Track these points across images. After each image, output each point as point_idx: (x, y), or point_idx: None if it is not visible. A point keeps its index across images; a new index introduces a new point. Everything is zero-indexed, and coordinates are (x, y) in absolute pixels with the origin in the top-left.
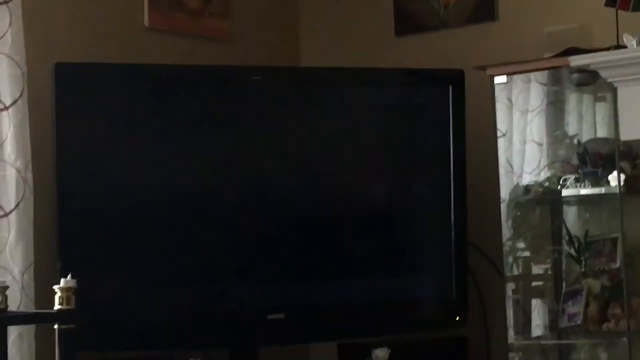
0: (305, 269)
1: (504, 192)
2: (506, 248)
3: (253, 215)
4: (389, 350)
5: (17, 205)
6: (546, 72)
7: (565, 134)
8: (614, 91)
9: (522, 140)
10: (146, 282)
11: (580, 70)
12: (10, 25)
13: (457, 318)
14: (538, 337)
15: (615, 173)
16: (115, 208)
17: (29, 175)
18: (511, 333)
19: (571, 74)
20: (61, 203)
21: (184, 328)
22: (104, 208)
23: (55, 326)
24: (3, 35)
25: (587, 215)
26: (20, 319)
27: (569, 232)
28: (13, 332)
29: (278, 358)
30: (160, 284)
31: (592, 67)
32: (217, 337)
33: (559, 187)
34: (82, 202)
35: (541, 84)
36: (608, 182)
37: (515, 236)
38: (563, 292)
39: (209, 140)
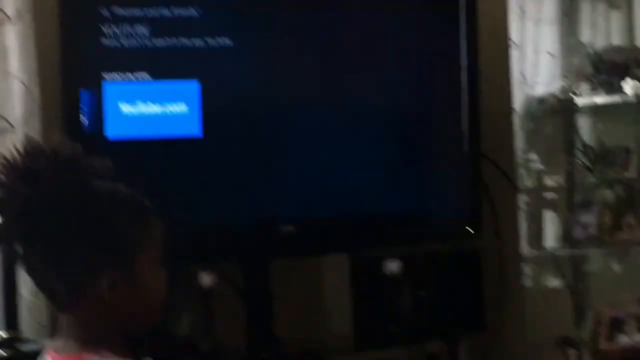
0: (317, 181)
1: (517, 104)
2: (519, 160)
3: (265, 125)
4: (401, 263)
5: (23, 119)
6: None
7: (579, 43)
8: None
9: (536, 51)
10: (154, 193)
11: None
12: None
13: (470, 230)
14: (551, 249)
15: (630, 81)
16: None
17: (35, 89)
18: (524, 245)
19: None
20: (68, 117)
21: (193, 242)
22: None
23: None
24: None
25: (602, 125)
26: None
27: (583, 143)
28: None
29: (290, 272)
30: (168, 195)
31: None
32: (228, 251)
33: (573, 96)
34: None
35: None
36: (623, 90)
37: (529, 148)
38: (577, 202)
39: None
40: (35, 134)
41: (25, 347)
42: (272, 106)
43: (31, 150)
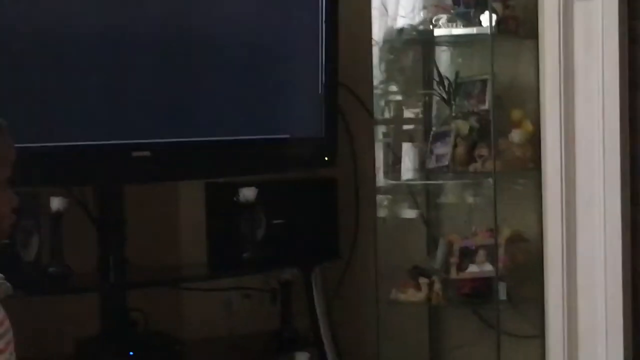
0: (172, 105)
1: (378, 35)
2: (378, 91)
3: (120, 46)
4: (257, 190)
5: None
6: None
7: None
8: None
9: None
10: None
11: None
12: None
13: (327, 158)
14: (407, 179)
15: (487, 13)
16: None
17: None
18: (380, 175)
19: None
20: None
21: (46, 163)
22: None
23: None
24: None
25: (459, 57)
26: None
27: (440, 74)
28: None
29: (146, 197)
30: (22, 113)
31: None
32: (82, 174)
33: (431, 28)
34: None
35: None
36: (480, 22)
37: (388, 79)
38: (432, 133)
39: None
40: None
41: None
42: (132, 28)
43: None
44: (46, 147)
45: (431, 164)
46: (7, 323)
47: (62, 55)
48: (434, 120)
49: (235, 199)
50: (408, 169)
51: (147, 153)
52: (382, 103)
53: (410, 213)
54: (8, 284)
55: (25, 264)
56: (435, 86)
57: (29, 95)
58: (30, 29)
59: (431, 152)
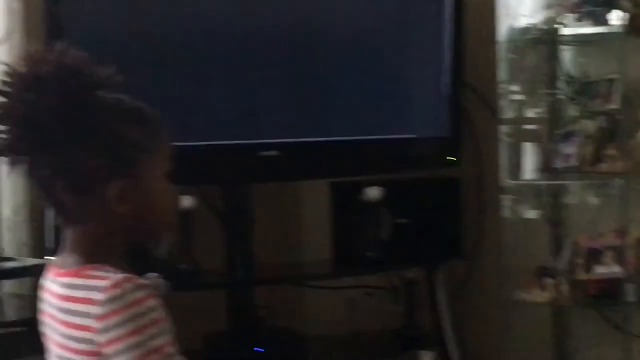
0: (300, 106)
1: (502, 34)
2: (501, 90)
3: (247, 47)
4: (382, 189)
5: (4, 38)
6: None
7: None
8: None
9: None
10: None
11: None
12: None
13: (452, 158)
14: (531, 179)
15: (616, 12)
16: (116, 36)
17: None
18: (504, 175)
19: None
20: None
21: (176, 163)
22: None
23: None
24: None
25: (582, 55)
26: None
27: (566, 73)
28: None
29: (271, 196)
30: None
31: None
32: (211, 173)
33: (557, 27)
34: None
35: None
36: (608, 21)
37: (510, 79)
38: (558, 133)
39: None
40: (18, 52)
41: (7, 265)
42: (261, 29)
43: (35, 57)
44: (177, 146)
45: (558, 163)
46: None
47: (191, 56)
48: (559, 120)
49: (359, 198)
50: (533, 169)
51: (274, 152)
52: (505, 102)
53: (534, 213)
54: (165, 282)
55: (157, 260)
56: (560, 85)
57: (159, 95)
58: (164, 32)
59: (557, 151)
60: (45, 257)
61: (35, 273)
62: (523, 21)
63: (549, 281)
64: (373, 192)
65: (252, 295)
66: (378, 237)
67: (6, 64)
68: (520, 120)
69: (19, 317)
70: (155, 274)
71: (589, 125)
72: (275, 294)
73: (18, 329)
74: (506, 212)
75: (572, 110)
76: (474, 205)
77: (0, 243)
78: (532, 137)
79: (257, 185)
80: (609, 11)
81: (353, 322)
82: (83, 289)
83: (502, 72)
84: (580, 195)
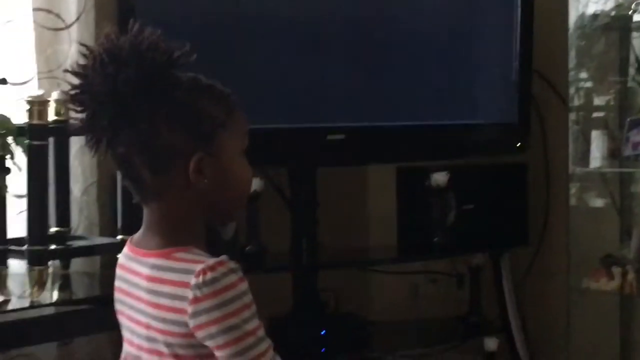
0: (367, 90)
1: (571, 21)
2: (570, 77)
3: (317, 30)
4: (449, 175)
5: (77, 18)
6: None
7: None
8: None
9: None
10: None
11: None
12: None
13: (518, 144)
14: (600, 167)
15: None
16: (186, 16)
17: None
18: (572, 162)
19: None
20: (122, 16)
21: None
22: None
23: None
24: None
25: None
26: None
27: (638, 61)
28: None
29: (336, 181)
30: None
31: None
32: (278, 156)
33: (629, 12)
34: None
35: None
36: None
37: (579, 65)
38: (628, 120)
39: None
40: (90, 31)
41: (77, 243)
42: (330, 13)
43: (111, 36)
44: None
45: (626, 151)
46: None
47: (261, 38)
48: (628, 108)
49: (426, 183)
50: (600, 157)
51: (341, 136)
52: (573, 90)
53: (600, 201)
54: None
55: (224, 242)
56: (631, 73)
57: (229, 77)
58: (234, 13)
59: (627, 139)
60: (116, 237)
61: (104, 251)
62: (593, 8)
63: (617, 270)
64: (440, 178)
65: (316, 279)
66: (444, 223)
67: (81, 44)
68: (589, 107)
69: (88, 295)
70: (225, 257)
71: None
72: (340, 279)
73: (87, 306)
74: (573, 200)
75: None
76: (541, 192)
77: (70, 222)
78: (600, 124)
79: (323, 169)
80: None
81: (417, 307)
82: (174, 272)
83: (571, 59)
84: None
